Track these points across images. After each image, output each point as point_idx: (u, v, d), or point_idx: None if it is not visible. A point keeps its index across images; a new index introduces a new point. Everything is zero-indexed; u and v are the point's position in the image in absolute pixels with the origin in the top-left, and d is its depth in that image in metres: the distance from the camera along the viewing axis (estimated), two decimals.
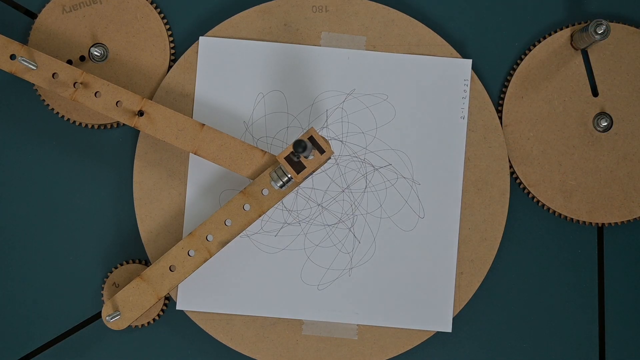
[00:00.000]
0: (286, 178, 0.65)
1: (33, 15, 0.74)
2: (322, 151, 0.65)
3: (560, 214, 0.73)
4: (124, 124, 0.73)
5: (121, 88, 0.68)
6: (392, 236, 0.72)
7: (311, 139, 0.64)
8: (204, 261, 0.67)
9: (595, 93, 0.73)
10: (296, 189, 0.71)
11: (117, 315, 0.67)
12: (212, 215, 0.67)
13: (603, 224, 0.73)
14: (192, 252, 0.67)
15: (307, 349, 0.72)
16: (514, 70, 0.74)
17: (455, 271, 0.72)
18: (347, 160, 0.72)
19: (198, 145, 0.68)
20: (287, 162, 0.64)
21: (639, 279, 0.74)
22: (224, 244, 0.67)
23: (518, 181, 0.73)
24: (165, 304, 0.72)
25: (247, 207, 0.67)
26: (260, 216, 0.67)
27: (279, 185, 0.65)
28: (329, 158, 0.65)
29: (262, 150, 0.67)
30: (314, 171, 0.65)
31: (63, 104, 0.72)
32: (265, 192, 0.67)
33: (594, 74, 0.73)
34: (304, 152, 0.58)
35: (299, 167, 0.64)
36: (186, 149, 0.68)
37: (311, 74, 0.72)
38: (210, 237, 0.67)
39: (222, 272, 0.71)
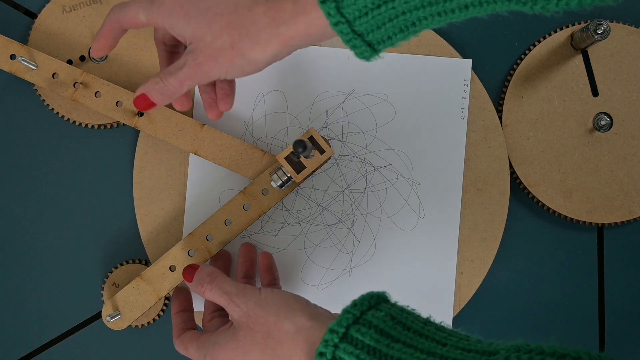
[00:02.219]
0: (286, 178, 0.65)
1: (33, 15, 0.74)
2: (322, 151, 0.64)
3: (560, 214, 0.73)
4: (124, 124, 0.72)
5: (121, 88, 0.68)
6: (392, 236, 0.72)
7: (311, 138, 0.64)
8: (204, 261, 0.67)
9: (595, 93, 0.73)
10: (296, 189, 0.71)
11: (117, 315, 0.66)
12: (212, 215, 0.67)
13: (603, 224, 0.73)
14: (192, 252, 0.67)
15: None
16: (514, 70, 0.73)
17: (455, 271, 0.72)
18: (347, 160, 0.72)
19: (198, 145, 0.68)
20: (287, 162, 0.64)
21: (639, 279, 0.74)
22: (224, 244, 0.67)
23: (518, 181, 0.73)
24: (165, 304, 0.72)
25: (247, 207, 0.67)
26: (260, 216, 0.67)
27: (278, 185, 0.65)
28: (329, 158, 0.65)
29: (262, 150, 0.67)
30: (314, 171, 0.65)
31: (63, 104, 0.72)
32: (265, 192, 0.67)
33: (594, 74, 0.73)
34: (304, 152, 0.58)
35: (299, 167, 0.64)
36: (186, 149, 0.68)
37: (311, 74, 0.72)
38: (210, 237, 0.67)
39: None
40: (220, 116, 0.66)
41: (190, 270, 0.61)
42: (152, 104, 0.58)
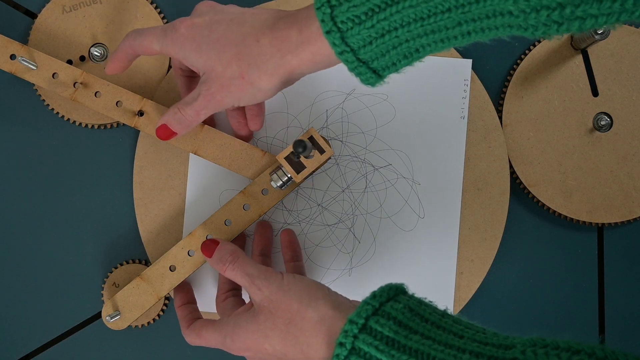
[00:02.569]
0: (286, 178, 0.64)
1: (33, 15, 0.73)
2: (322, 151, 0.64)
3: (560, 214, 0.72)
4: (124, 124, 0.72)
5: (121, 88, 0.67)
6: (392, 236, 0.71)
7: (311, 138, 0.64)
8: (204, 261, 0.66)
9: (595, 93, 0.73)
10: (296, 189, 0.71)
11: (117, 315, 0.66)
12: (212, 215, 0.66)
13: (603, 224, 0.73)
14: (192, 252, 0.66)
15: None
16: (514, 70, 0.73)
17: (455, 271, 0.71)
18: (347, 160, 0.72)
19: (198, 145, 0.67)
20: (287, 162, 0.64)
21: (639, 279, 0.73)
22: None
23: (518, 181, 0.72)
24: (165, 304, 0.71)
25: (247, 207, 0.66)
26: (260, 216, 0.66)
27: (278, 185, 0.65)
28: (330, 158, 0.64)
29: (262, 150, 0.67)
30: (314, 171, 0.65)
31: (63, 104, 0.71)
32: (265, 192, 0.66)
33: (594, 74, 0.73)
34: (304, 152, 0.58)
35: (298, 167, 0.64)
36: (186, 149, 0.67)
37: (311, 74, 0.71)
38: (210, 237, 0.66)
39: None
40: (251, 137, 0.70)
41: (210, 245, 0.62)
42: (173, 133, 0.62)
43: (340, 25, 0.50)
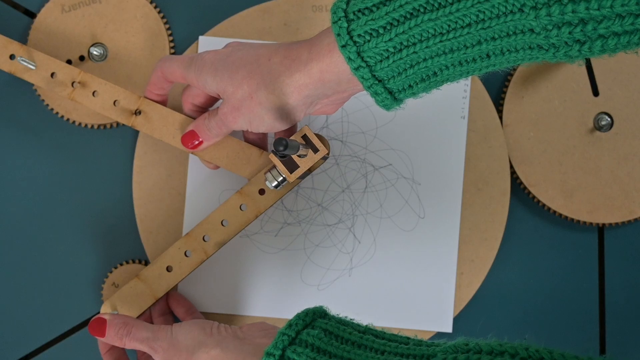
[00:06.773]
0: (281, 178, 0.60)
1: (32, 15, 0.71)
2: (315, 150, 0.59)
3: (560, 214, 0.70)
4: (123, 124, 0.69)
5: (118, 87, 0.64)
6: (392, 236, 0.69)
7: (305, 137, 0.59)
8: (201, 262, 0.63)
9: (595, 93, 0.70)
10: (296, 188, 0.68)
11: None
12: (209, 216, 0.63)
13: (603, 224, 0.70)
14: (189, 253, 0.62)
15: None
16: (514, 70, 0.71)
17: (455, 271, 0.69)
18: (347, 160, 0.69)
19: None
20: (280, 161, 0.59)
21: (639, 279, 0.71)
22: (220, 244, 0.63)
23: (518, 181, 0.70)
24: None
25: (244, 207, 0.62)
26: (257, 216, 0.63)
27: (273, 185, 0.61)
28: (325, 157, 0.61)
29: (260, 150, 0.63)
30: (310, 171, 0.60)
31: (63, 104, 0.69)
32: (262, 192, 0.62)
33: (595, 74, 0.70)
34: (286, 150, 0.53)
35: (292, 167, 0.59)
36: (182, 148, 0.63)
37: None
38: (207, 238, 0.62)
39: (222, 272, 0.69)
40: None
41: (99, 325, 0.58)
42: (200, 143, 0.61)
43: (356, 39, 0.47)
